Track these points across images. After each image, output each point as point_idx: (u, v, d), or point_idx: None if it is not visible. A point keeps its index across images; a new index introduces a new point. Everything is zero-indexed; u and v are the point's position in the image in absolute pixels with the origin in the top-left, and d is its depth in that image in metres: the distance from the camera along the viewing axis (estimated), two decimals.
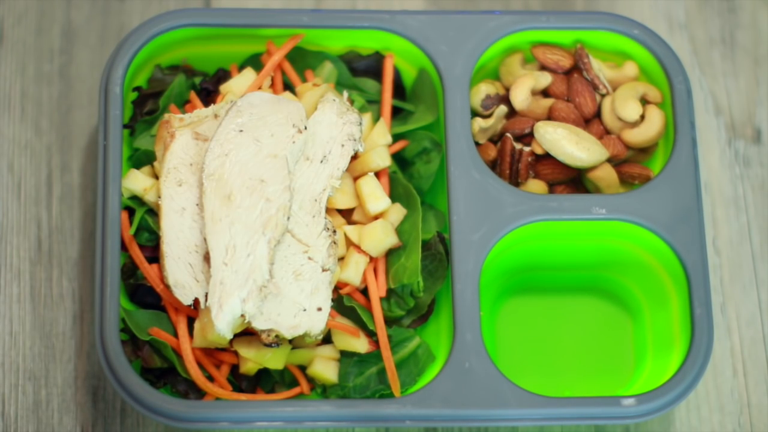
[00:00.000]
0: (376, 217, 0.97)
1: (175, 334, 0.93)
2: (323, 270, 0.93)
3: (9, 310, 1.01)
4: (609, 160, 1.00)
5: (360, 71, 1.02)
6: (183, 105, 1.00)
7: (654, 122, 0.99)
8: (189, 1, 1.10)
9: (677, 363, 0.94)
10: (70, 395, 0.99)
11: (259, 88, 0.98)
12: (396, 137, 1.00)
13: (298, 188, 0.95)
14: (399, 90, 1.03)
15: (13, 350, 1.00)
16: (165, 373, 0.94)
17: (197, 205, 0.94)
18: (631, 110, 0.99)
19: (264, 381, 0.95)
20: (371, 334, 0.95)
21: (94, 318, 0.93)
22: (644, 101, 1.01)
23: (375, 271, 0.96)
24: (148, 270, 0.94)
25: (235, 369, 0.95)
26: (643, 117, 1.00)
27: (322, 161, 0.96)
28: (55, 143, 1.05)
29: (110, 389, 0.99)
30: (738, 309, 1.03)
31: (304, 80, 1.00)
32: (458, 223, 0.96)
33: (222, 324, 0.91)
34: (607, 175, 0.99)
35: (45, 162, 1.04)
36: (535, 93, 1.01)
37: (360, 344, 0.95)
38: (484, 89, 1.01)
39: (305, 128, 0.95)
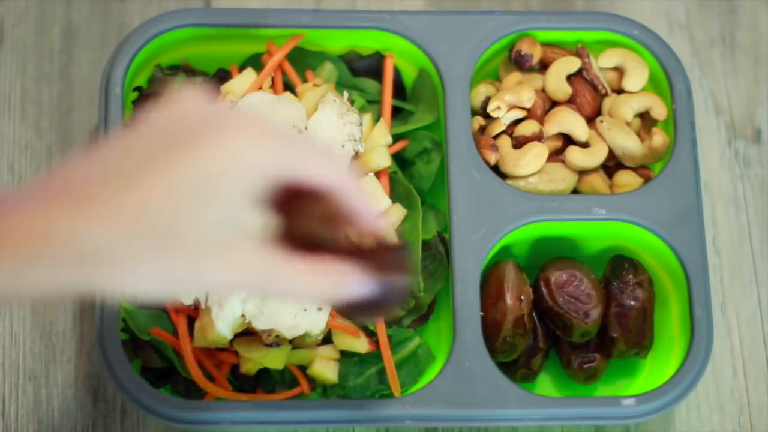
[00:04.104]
0: None
1: (176, 334, 0.93)
2: None
3: (9, 310, 1.01)
4: (604, 166, 1.00)
5: (360, 71, 1.02)
6: None
7: (657, 152, 0.99)
8: (189, 1, 1.10)
9: (677, 363, 0.94)
10: (70, 395, 0.99)
11: (260, 88, 0.98)
12: (396, 137, 1.00)
13: None
14: (399, 90, 1.03)
15: (13, 350, 1.00)
16: (165, 373, 0.94)
17: None
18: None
19: (264, 381, 0.95)
20: (371, 334, 0.95)
21: (94, 318, 0.93)
22: (648, 115, 1.01)
23: None
24: None
25: (235, 369, 0.95)
26: (642, 135, 1.00)
27: None
28: (56, 143, 1.05)
29: (110, 389, 0.99)
30: (738, 309, 1.03)
31: (305, 80, 1.00)
32: (458, 223, 0.96)
33: (222, 324, 0.91)
34: (597, 184, 0.99)
35: (45, 162, 1.04)
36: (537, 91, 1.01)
37: (360, 344, 0.95)
38: (484, 90, 1.01)
39: (305, 128, 0.95)
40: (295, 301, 0.74)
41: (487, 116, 1.00)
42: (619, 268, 0.97)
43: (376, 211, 0.71)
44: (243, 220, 0.66)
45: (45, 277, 0.64)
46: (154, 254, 0.64)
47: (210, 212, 0.65)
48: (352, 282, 0.70)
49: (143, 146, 0.66)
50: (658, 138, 0.99)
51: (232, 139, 0.65)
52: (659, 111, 1.00)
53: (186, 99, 0.67)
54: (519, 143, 0.99)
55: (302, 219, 0.70)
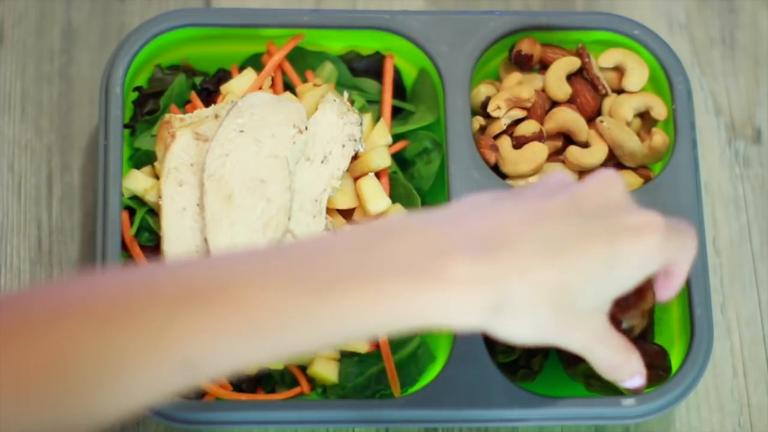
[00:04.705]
0: (376, 218, 0.97)
1: None
2: None
3: None
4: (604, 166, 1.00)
5: (360, 71, 1.02)
6: (183, 105, 1.00)
7: (657, 152, 0.99)
8: (189, 1, 1.10)
9: (677, 363, 0.94)
10: None
11: (260, 88, 0.98)
12: (396, 137, 1.00)
13: (299, 188, 0.95)
14: (399, 90, 1.03)
15: None
16: None
17: (198, 205, 0.94)
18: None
19: (264, 381, 0.95)
20: None
21: None
22: (648, 115, 1.01)
23: None
24: None
25: None
26: (642, 135, 1.00)
27: (322, 161, 0.96)
28: (56, 143, 1.05)
29: None
30: (738, 309, 1.03)
31: (305, 80, 1.00)
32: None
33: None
34: None
35: (45, 162, 1.04)
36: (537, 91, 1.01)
37: (360, 344, 0.95)
38: (484, 90, 1.01)
39: (306, 128, 0.95)
40: (606, 369, 0.81)
41: (487, 116, 1.00)
42: None
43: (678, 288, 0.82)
44: (609, 301, 0.76)
45: (457, 317, 0.71)
46: (540, 314, 0.72)
47: (600, 294, 0.75)
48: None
49: (566, 217, 0.74)
50: (658, 138, 0.99)
51: (648, 243, 0.75)
52: (659, 111, 1.00)
53: (609, 182, 0.76)
54: (519, 143, 0.99)
55: (628, 303, 0.86)
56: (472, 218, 0.73)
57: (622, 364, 0.80)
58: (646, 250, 0.75)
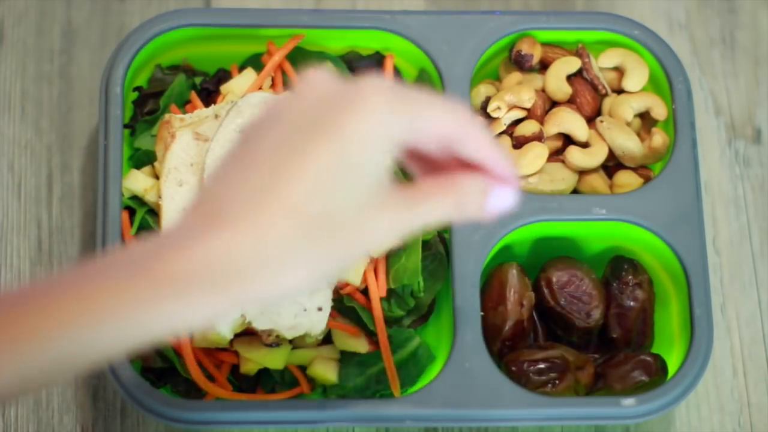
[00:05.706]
0: None
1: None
2: None
3: None
4: (604, 166, 1.00)
5: (360, 71, 1.02)
6: (183, 105, 1.00)
7: (657, 152, 0.99)
8: (189, 1, 1.10)
9: (677, 363, 0.94)
10: (70, 395, 0.99)
11: (260, 88, 0.98)
12: None
13: None
14: None
15: None
16: (165, 373, 0.94)
17: None
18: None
19: (264, 381, 0.95)
20: (371, 334, 0.95)
21: None
22: (649, 116, 1.01)
23: (375, 271, 0.96)
24: None
25: (235, 369, 0.95)
26: (642, 135, 1.00)
27: None
28: (56, 143, 1.05)
29: (110, 389, 0.99)
30: (738, 309, 1.03)
31: None
32: (458, 223, 0.96)
33: (222, 324, 0.90)
34: (597, 184, 0.99)
35: (45, 162, 1.04)
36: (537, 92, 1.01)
37: (360, 344, 0.95)
38: (484, 90, 1.01)
39: None
40: (450, 219, 0.69)
41: (487, 116, 1.00)
42: (618, 269, 0.97)
43: (505, 157, 0.70)
44: (375, 182, 0.66)
45: (205, 309, 0.64)
46: (311, 251, 0.64)
47: (351, 191, 0.65)
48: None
49: (280, 140, 0.65)
50: (658, 138, 0.99)
51: (368, 109, 0.65)
52: (659, 111, 1.00)
53: (311, 80, 0.67)
54: (519, 143, 0.99)
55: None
56: (193, 204, 0.66)
57: (448, 204, 0.69)
58: (370, 116, 0.65)
